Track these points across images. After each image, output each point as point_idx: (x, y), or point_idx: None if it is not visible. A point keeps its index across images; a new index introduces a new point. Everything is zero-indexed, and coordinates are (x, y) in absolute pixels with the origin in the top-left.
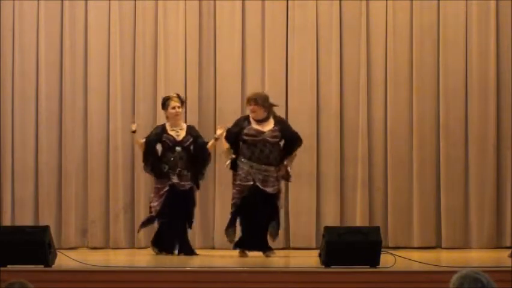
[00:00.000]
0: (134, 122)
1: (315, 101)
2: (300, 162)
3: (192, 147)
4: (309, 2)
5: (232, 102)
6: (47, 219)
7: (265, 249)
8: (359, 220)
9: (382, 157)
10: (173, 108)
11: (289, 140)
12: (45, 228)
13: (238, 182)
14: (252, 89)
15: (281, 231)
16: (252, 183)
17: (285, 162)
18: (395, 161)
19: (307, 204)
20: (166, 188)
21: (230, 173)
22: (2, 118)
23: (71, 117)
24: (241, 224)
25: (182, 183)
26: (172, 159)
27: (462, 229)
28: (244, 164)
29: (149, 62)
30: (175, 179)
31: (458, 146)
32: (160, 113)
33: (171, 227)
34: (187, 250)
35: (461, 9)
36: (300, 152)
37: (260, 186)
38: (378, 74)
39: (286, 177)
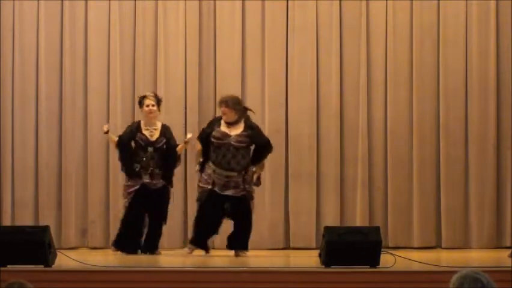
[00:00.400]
0: (106, 123)
1: (315, 101)
2: (300, 162)
3: (164, 147)
4: (309, 2)
5: None
6: (47, 219)
7: (239, 248)
8: (359, 220)
9: (382, 157)
10: (148, 106)
11: (259, 146)
12: (45, 228)
13: (200, 184)
14: (252, 88)
15: (281, 231)
16: (210, 187)
17: (254, 169)
18: (395, 161)
19: (307, 204)
20: (137, 187)
21: None
22: (2, 118)
23: (71, 117)
24: (199, 223)
25: (154, 182)
26: (144, 159)
27: (462, 229)
28: (208, 168)
29: (149, 61)
30: (146, 179)
31: (458, 146)
32: (161, 112)
33: (135, 226)
34: (152, 248)
35: (461, 9)
36: (300, 152)
37: (217, 191)
38: (378, 74)
39: (256, 183)
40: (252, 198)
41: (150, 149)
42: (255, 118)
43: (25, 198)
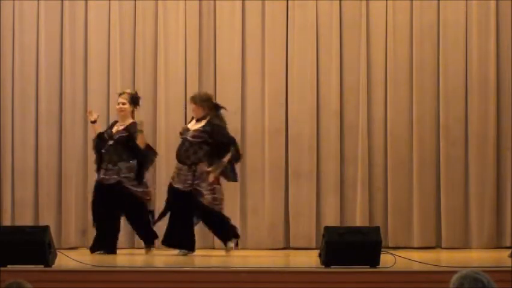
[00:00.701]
0: (93, 112)
1: (315, 100)
2: (300, 162)
3: (123, 140)
4: (309, 2)
5: (232, 102)
6: (47, 219)
7: (181, 247)
8: (359, 220)
9: (382, 157)
10: (118, 104)
11: (218, 145)
12: (45, 228)
13: None
14: (252, 88)
15: (281, 231)
16: (171, 181)
17: (209, 168)
18: (395, 161)
19: (307, 204)
20: (94, 184)
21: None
22: (2, 118)
23: (71, 117)
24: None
25: (107, 177)
26: (103, 152)
27: (462, 229)
28: None
29: (149, 61)
30: (101, 174)
31: (458, 146)
32: (161, 112)
33: (101, 224)
34: (147, 240)
35: (461, 9)
36: (300, 152)
37: (173, 184)
38: (378, 74)
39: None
40: (201, 195)
41: (110, 142)
42: (255, 118)
43: (25, 198)
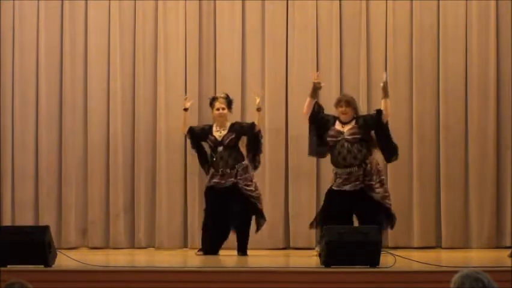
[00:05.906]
0: (187, 99)
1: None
2: (300, 162)
3: (234, 144)
4: (309, 2)
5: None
6: (47, 219)
7: None
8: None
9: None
10: (218, 109)
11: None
12: (45, 228)
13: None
14: (252, 88)
15: (281, 231)
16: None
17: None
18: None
19: (307, 204)
20: (205, 190)
21: None
22: (2, 118)
23: (71, 117)
24: None
25: (223, 181)
26: (217, 158)
27: (462, 229)
28: None
29: (149, 62)
30: (216, 179)
31: (458, 145)
32: (161, 112)
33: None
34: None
35: (461, 9)
36: (300, 152)
37: (334, 187)
38: (378, 74)
39: None
40: (373, 190)
41: (220, 148)
42: (255, 118)
43: (25, 198)
